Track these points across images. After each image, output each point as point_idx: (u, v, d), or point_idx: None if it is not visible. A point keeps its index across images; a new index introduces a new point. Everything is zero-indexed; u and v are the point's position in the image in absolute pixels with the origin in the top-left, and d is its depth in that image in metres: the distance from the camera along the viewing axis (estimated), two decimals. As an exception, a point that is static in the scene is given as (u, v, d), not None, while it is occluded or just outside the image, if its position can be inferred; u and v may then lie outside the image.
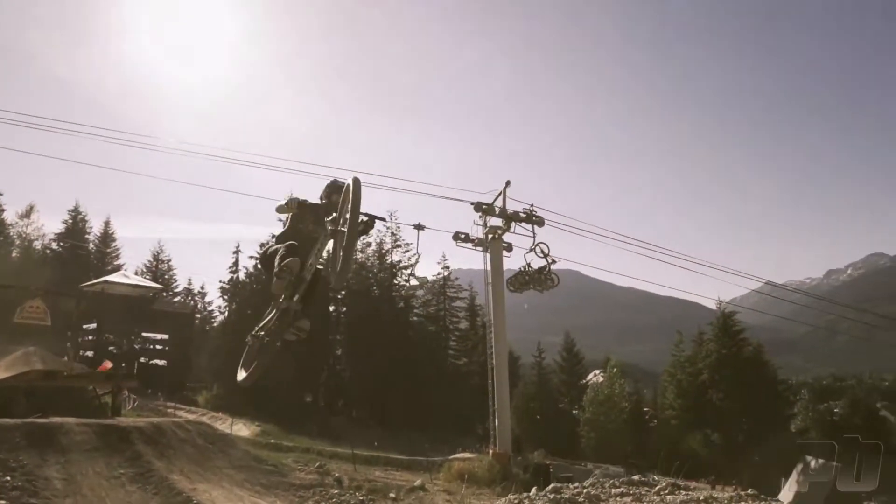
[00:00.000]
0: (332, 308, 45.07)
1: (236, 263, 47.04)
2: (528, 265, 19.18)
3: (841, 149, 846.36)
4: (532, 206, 19.23)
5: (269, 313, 5.56)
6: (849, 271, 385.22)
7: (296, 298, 5.20)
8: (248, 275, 44.94)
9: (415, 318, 46.59)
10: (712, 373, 37.72)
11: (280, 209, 5.45)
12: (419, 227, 19.88)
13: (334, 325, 44.90)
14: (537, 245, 18.77)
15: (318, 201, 5.48)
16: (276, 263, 4.99)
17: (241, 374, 5.71)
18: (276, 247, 5.26)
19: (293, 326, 5.38)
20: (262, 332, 5.62)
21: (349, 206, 4.62)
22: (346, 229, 4.57)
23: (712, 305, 41.64)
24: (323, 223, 5.20)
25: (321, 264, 5.32)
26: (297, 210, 5.37)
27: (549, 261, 18.90)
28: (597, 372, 50.36)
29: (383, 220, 5.79)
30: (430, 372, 41.74)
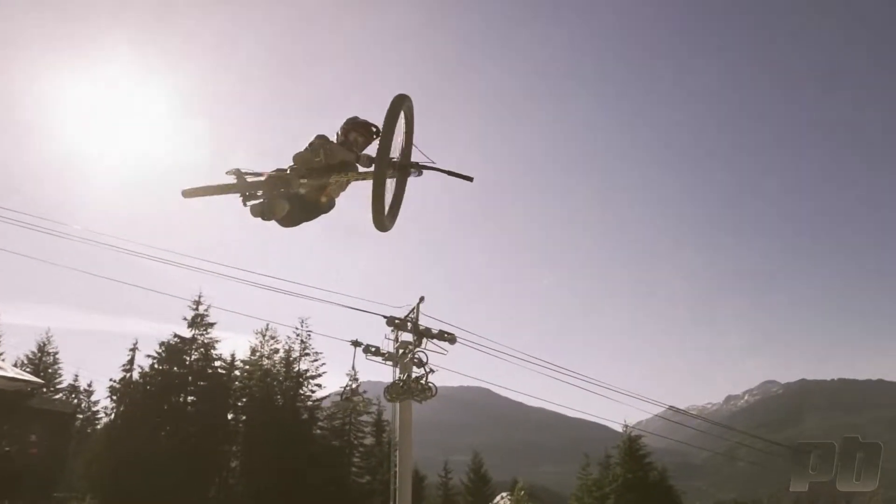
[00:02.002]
0: (230, 416, 42.51)
1: (131, 362, 43.72)
2: (407, 374, 18.84)
3: (737, 286, 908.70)
4: (441, 330, 19.15)
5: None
6: (746, 397, 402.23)
7: (303, 180, 5.00)
8: (142, 375, 41.96)
9: (318, 432, 44.37)
10: (619, 497, 37.54)
11: (302, 157, 5.16)
12: (356, 343, 19.31)
13: (231, 434, 42.17)
14: (415, 354, 18.57)
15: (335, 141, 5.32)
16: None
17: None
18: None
19: (276, 196, 5.01)
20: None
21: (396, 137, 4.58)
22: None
23: (619, 428, 42.16)
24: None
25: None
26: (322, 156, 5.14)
27: (427, 370, 18.66)
28: (504, 495, 49.06)
29: (465, 177, 5.13)
30: (332, 490, 39.39)
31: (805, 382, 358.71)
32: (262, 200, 5.07)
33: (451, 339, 19.23)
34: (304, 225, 5.35)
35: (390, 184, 4.88)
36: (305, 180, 5.04)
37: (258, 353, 44.55)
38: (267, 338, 44.93)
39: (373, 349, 20.17)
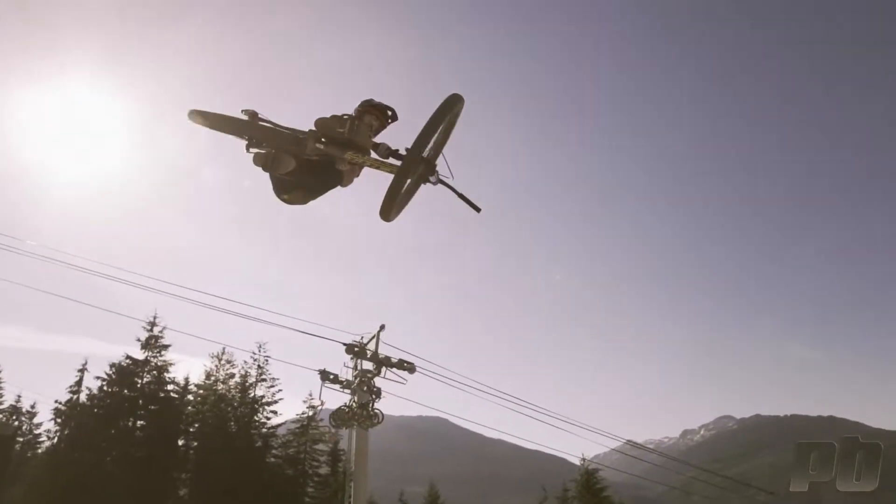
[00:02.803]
0: (181, 442, 41.24)
1: (79, 383, 42.05)
2: (353, 400, 18.56)
3: (693, 321, 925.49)
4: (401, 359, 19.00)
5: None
6: (702, 432, 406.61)
7: (318, 145, 4.74)
8: (90, 397, 40.47)
9: (272, 460, 43.27)
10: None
11: (325, 123, 4.86)
12: (325, 374, 18.90)
13: (181, 461, 40.85)
14: (362, 379, 18.36)
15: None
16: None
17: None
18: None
19: (285, 151, 4.75)
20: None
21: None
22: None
23: (577, 461, 42.14)
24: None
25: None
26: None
27: (373, 396, 18.46)
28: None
29: (474, 207, 5.02)
30: (284, 521, 38.45)
31: (759, 418, 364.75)
32: (268, 151, 4.79)
33: (411, 368, 19.09)
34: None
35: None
36: (321, 147, 4.77)
37: (213, 378, 43.53)
38: (223, 362, 44.01)
39: (331, 376, 19.91)
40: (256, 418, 42.90)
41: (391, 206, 4.58)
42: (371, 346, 19.00)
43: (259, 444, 42.51)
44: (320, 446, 44.35)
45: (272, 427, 43.39)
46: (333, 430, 32.91)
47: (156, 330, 41.47)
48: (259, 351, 43.59)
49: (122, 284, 21.04)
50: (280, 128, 4.91)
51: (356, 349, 18.69)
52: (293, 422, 44.62)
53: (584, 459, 41.18)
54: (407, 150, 4.56)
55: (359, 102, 5.05)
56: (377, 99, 5.06)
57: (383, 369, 19.14)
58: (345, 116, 4.95)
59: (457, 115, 4.74)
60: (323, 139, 4.80)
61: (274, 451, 43.62)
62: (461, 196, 4.89)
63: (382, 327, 19.02)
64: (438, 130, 4.56)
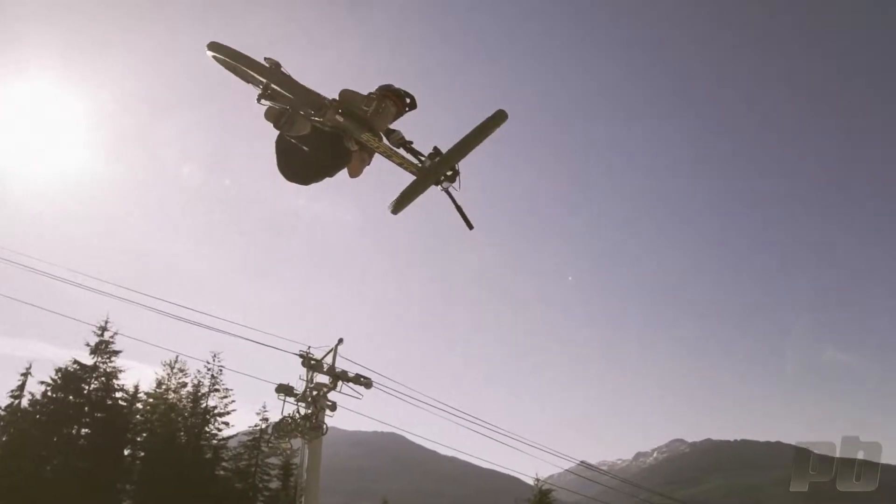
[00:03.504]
0: (126, 452, 39.99)
1: (22, 388, 40.35)
2: (297, 411, 18.32)
3: (648, 345, 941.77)
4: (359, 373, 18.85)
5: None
6: (654, 455, 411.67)
7: (338, 117, 4.57)
8: (33, 403, 38.90)
9: (222, 473, 42.22)
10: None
11: (351, 96, 4.72)
12: (282, 388, 18.50)
13: (126, 471, 39.55)
14: (316, 393, 18.18)
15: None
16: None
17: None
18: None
19: (302, 112, 4.50)
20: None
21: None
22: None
23: (531, 481, 42.22)
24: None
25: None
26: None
27: (317, 408, 18.29)
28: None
29: (468, 223, 5.01)
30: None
31: (710, 442, 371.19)
32: (284, 108, 4.54)
33: (367, 383, 18.96)
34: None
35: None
36: (341, 119, 4.59)
37: (164, 386, 42.39)
38: (175, 370, 42.89)
39: (288, 389, 19.62)
40: (207, 429, 41.82)
41: (405, 204, 4.57)
42: (328, 360, 18.83)
43: (209, 455, 41.46)
44: (273, 460, 43.52)
45: (223, 439, 42.40)
46: (290, 445, 32.53)
47: (107, 335, 40.28)
48: (213, 360, 42.71)
49: (75, 287, 20.48)
50: (305, 87, 4.65)
51: (312, 362, 18.50)
52: (245, 434, 43.70)
53: (537, 480, 41.33)
54: (435, 150, 4.57)
55: (376, 87, 4.89)
56: (397, 85, 4.90)
57: (339, 383, 18.98)
58: (371, 95, 4.81)
59: (493, 132, 4.72)
60: (343, 112, 4.65)
61: (224, 464, 42.57)
62: (459, 209, 4.86)
63: (341, 341, 18.93)
64: (478, 146, 4.58)
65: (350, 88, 4.74)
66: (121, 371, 40.52)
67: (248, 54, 4.56)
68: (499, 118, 4.58)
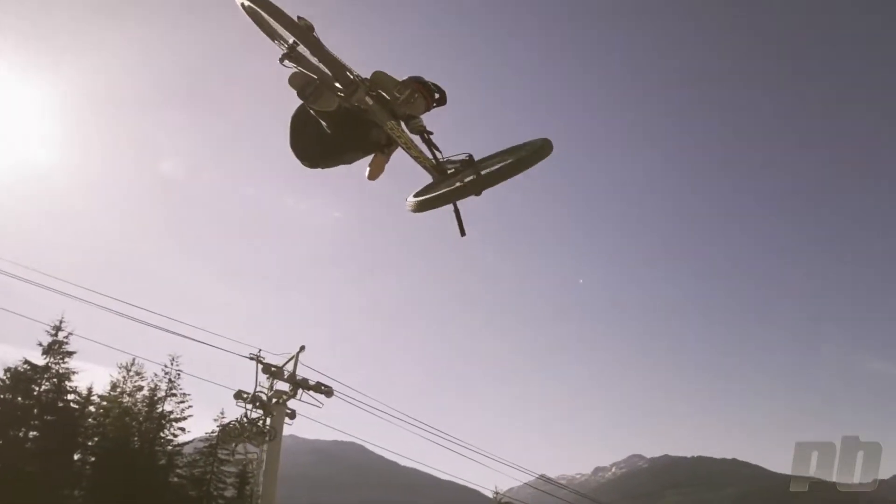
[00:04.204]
0: (76, 456, 38.78)
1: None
2: (245, 416, 18.00)
3: (609, 360, 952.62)
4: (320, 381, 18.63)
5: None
6: (613, 469, 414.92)
7: (368, 98, 4.37)
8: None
9: (176, 480, 41.21)
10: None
11: (384, 79, 4.51)
12: (240, 394, 18.08)
13: (75, 477, 38.31)
14: (258, 393, 17.90)
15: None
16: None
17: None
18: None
19: (329, 85, 4.29)
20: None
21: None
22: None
23: (490, 494, 42.13)
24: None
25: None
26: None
27: (268, 412, 18.06)
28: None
29: (461, 230, 4.80)
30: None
31: (668, 458, 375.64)
32: (312, 76, 4.29)
33: (328, 391, 18.75)
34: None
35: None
36: (370, 101, 4.37)
37: (119, 390, 41.26)
38: (132, 373, 41.81)
39: (246, 395, 19.25)
40: (162, 434, 40.85)
41: (430, 208, 4.44)
42: (290, 367, 18.58)
43: (163, 462, 40.47)
44: (229, 467, 42.63)
45: (179, 445, 41.44)
46: (244, 450, 31.70)
47: (61, 335, 39.07)
48: (172, 364, 41.76)
49: (28, 285, 19.86)
50: (338, 61, 4.39)
51: (273, 369, 18.22)
52: (202, 440, 42.76)
53: (496, 493, 41.25)
54: (470, 159, 4.46)
55: (406, 77, 4.69)
56: (427, 77, 4.73)
57: (300, 391, 18.73)
58: (405, 82, 4.63)
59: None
60: (374, 95, 4.45)
61: (178, 471, 41.58)
62: (457, 214, 4.73)
63: (302, 348, 18.69)
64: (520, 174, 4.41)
65: (384, 71, 4.56)
66: (74, 373, 39.22)
67: (281, 9, 4.28)
68: (544, 151, 4.34)
